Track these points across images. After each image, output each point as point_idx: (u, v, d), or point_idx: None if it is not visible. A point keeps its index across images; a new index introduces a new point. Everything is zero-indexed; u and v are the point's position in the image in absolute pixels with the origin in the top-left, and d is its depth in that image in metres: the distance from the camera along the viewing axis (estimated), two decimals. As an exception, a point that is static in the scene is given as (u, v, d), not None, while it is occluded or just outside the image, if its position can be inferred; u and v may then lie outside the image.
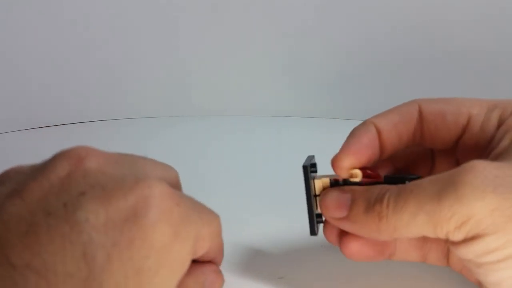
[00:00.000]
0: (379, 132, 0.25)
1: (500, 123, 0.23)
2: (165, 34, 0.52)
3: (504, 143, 0.22)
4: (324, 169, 0.26)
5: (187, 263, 0.21)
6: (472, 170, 0.20)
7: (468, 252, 0.20)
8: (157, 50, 0.53)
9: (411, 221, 0.21)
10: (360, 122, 0.25)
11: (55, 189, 0.19)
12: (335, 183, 0.25)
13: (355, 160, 0.24)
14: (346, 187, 0.24)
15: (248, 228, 0.31)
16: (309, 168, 0.25)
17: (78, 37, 0.52)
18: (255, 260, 0.29)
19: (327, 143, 0.28)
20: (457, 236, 0.20)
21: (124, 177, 0.20)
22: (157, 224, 0.19)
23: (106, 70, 0.54)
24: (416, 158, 0.28)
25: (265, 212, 0.34)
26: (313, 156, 0.26)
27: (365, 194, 0.23)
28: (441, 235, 0.20)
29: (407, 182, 0.23)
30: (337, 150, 0.24)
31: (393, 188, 0.22)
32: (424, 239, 0.25)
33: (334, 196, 0.24)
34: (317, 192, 0.25)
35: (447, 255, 0.25)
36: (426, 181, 0.21)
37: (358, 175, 0.24)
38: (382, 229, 0.22)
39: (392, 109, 0.26)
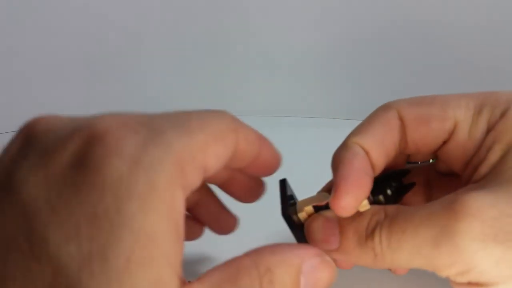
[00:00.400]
0: (368, 154, 0.22)
1: (489, 128, 0.22)
2: (164, 33, 0.52)
3: (493, 156, 0.21)
4: (324, 170, 0.25)
5: (171, 195, 0.17)
6: (466, 216, 0.18)
7: None
8: (159, 49, 0.53)
9: (409, 261, 0.20)
10: (359, 122, 0.24)
11: (5, 164, 0.18)
12: (318, 209, 0.23)
13: (358, 194, 0.21)
14: (330, 214, 0.22)
15: (248, 228, 0.31)
16: (290, 210, 0.23)
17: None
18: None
19: (325, 143, 0.27)
20: (459, 280, 0.20)
21: (71, 129, 0.18)
22: (104, 159, 0.16)
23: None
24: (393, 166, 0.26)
25: (265, 211, 0.34)
26: (285, 182, 0.24)
27: (353, 225, 0.21)
28: (441, 275, 0.20)
29: (394, 184, 0.22)
30: (335, 150, 0.23)
31: (384, 219, 0.21)
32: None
33: (320, 228, 0.22)
34: (303, 221, 0.23)
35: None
36: (417, 220, 0.20)
37: (366, 205, 0.21)
38: (380, 263, 0.21)
39: (370, 122, 0.23)
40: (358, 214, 0.21)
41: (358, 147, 0.22)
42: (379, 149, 0.22)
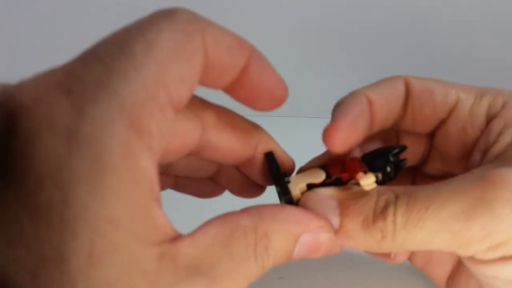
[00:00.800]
0: (370, 104, 0.22)
1: (490, 111, 0.22)
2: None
3: (507, 138, 0.20)
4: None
5: (129, 166, 0.14)
6: (504, 185, 0.18)
7: (500, 271, 0.19)
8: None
9: (428, 240, 0.19)
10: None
11: None
12: (312, 187, 0.21)
13: (349, 134, 0.21)
14: (329, 192, 0.21)
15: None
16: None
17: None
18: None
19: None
20: (488, 256, 0.19)
21: None
22: (34, 138, 0.13)
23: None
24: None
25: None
26: (273, 155, 0.22)
27: (358, 205, 0.20)
28: (464, 253, 0.19)
29: (390, 157, 0.21)
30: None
31: (398, 198, 0.19)
32: None
33: (318, 208, 0.20)
34: (296, 200, 0.21)
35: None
36: (442, 194, 0.19)
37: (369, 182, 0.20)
38: (385, 246, 0.19)
39: (378, 82, 0.23)
40: (362, 194, 0.20)
41: (363, 96, 0.22)
42: (382, 103, 0.22)
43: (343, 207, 0.20)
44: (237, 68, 0.18)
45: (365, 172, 0.21)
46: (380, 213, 0.19)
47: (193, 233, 0.16)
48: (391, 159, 0.21)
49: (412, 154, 0.25)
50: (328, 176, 0.21)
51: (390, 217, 0.19)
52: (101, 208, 0.13)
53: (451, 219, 0.18)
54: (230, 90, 0.19)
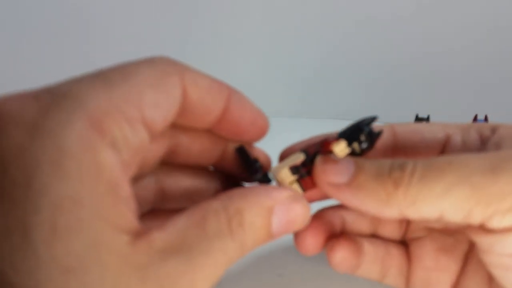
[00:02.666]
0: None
1: (483, 135, 0.22)
2: (162, 33, 0.52)
3: (508, 143, 0.21)
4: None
5: (91, 156, 0.15)
6: None
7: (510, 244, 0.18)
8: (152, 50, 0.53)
9: (445, 193, 0.18)
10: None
11: None
12: (296, 170, 0.21)
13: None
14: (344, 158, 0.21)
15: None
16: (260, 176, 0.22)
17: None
18: (254, 258, 0.29)
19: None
20: (504, 221, 0.17)
21: None
22: (1, 129, 0.14)
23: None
24: None
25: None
26: (244, 147, 0.22)
27: (375, 162, 0.20)
28: (478, 216, 0.18)
29: (364, 128, 0.21)
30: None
31: (416, 160, 0.19)
32: (388, 254, 0.24)
33: (333, 161, 0.20)
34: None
35: (407, 276, 0.24)
36: (468, 156, 0.18)
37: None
38: (396, 200, 0.18)
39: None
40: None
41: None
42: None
43: (359, 164, 0.20)
44: (218, 107, 0.19)
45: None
46: (398, 165, 0.19)
47: (163, 224, 0.17)
48: (364, 129, 0.21)
49: None
50: (307, 156, 0.21)
51: (409, 167, 0.18)
52: (63, 188, 0.14)
53: (476, 172, 0.17)
54: (215, 128, 0.20)
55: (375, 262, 0.24)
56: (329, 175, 0.20)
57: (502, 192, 0.17)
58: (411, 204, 0.18)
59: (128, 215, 0.16)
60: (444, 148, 0.23)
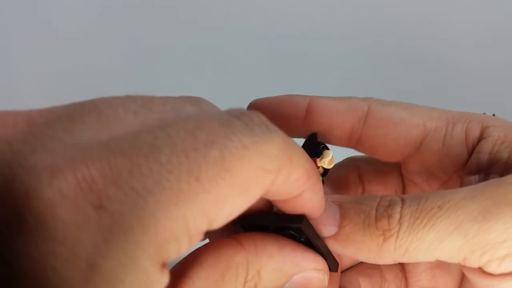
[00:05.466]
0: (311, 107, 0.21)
1: (470, 136, 0.21)
2: (162, 33, 0.52)
3: (503, 155, 0.19)
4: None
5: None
6: None
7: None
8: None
9: (438, 243, 0.17)
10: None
11: None
12: None
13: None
14: (331, 196, 0.19)
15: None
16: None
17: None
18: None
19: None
20: (502, 267, 0.17)
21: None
22: (45, 261, 0.11)
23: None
24: (346, 179, 0.24)
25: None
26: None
27: (360, 206, 0.18)
28: (473, 263, 0.17)
29: (320, 143, 0.20)
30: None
31: (404, 199, 0.18)
32: (385, 281, 0.23)
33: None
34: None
35: None
36: (456, 195, 0.17)
37: None
38: (387, 252, 0.17)
39: (340, 98, 0.21)
40: (364, 197, 0.19)
41: (307, 99, 0.21)
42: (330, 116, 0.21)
43: (344, 210, 0.18)
44: (290, 196, 0.16)
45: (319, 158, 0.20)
46: (384, 211, 0.17)
47: (185, 279, 0.15)
48: (320, 144, 0.21)
49: (383, 182, 0.24)
50: None
51: (395, 215, 0.17)
52: None
53: (467, 220, 0.16)
54: (274, 202, 0.18)
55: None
56: (316, 228, 0.18)
57: (496, 241, 0.16)
58: (404, 255, 0.17)
59: None
60: (421, 144, 0.21)
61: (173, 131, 0.12)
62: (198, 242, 0.14)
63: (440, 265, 0.22)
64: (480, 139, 0.20)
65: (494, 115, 0.43)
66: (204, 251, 0.16)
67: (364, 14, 0.50)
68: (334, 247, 0.18)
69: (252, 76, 0.53)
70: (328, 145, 0.21)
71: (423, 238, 0.17)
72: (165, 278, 0.13)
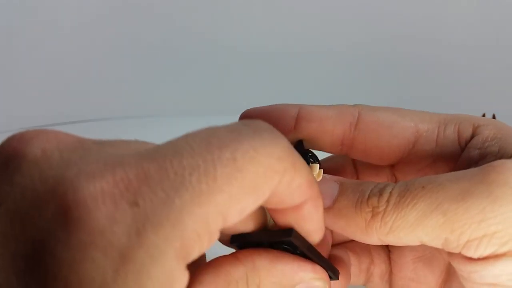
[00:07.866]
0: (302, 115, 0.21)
1: (462, 136, 0.21)
2: (162, 33, 0.52)
3: (493, 149, 0.20)
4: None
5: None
6: (508, 171, 0.17)
7: (489, 271, 0.17)
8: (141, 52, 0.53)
9: (419, 222, 0.17)
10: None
11: None
12: None
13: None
14: (334, 176, 0.20)
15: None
16: None
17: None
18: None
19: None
20: (479, 250, 0.17)
21: (51, 187, 0.13)
22: (83, 253, 0.12)
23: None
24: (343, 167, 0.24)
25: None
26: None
27: (358, 186, 0.19)
28: (453, 245, 0.17)
29: (307, 152, 0.20)
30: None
31: (397, 182, 0.18)
32: (371, 262, 0.23)
33: (320, 183, 0.19)
34: None
35: (390, 283, 0.23)
36: (441, 178, 0.18)
37: None
38: (373, 228, 0.18)
39: (330, 106, 0.22)
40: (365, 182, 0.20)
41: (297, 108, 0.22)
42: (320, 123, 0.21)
43: (343, 187, 0.19)
44: (292, 204, 0.17)
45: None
46: (377, 191, 0.18)
47: None
48: (309, 153, 0.21)
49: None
50: None
51: (385, 194, 0.18)
52: None
53: (447, 199, 0.17)
54: (271, 210, 0.18)
55: (360, 274, 0.24)
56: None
57: (473, 220, 0.16)
58: (388, 233, 0.18)
59: None
60: (414, 146, 0.21)
61: (189, 138, 0.14)
62: (215, 241, 0.15)
63: (423, 259, 0.23)
64: (472, 137, 0.21)
65: (494, 115, 0.43)
66: (204, 269, 0.16)
67: (358, 20, 0.50)
68: (328, 219, 0.19)
69: (246, 85, 0.54)
70: (317, 152, 0.22)
71: (406, 216, 0.17)
72: (185, 278, 0.14)
